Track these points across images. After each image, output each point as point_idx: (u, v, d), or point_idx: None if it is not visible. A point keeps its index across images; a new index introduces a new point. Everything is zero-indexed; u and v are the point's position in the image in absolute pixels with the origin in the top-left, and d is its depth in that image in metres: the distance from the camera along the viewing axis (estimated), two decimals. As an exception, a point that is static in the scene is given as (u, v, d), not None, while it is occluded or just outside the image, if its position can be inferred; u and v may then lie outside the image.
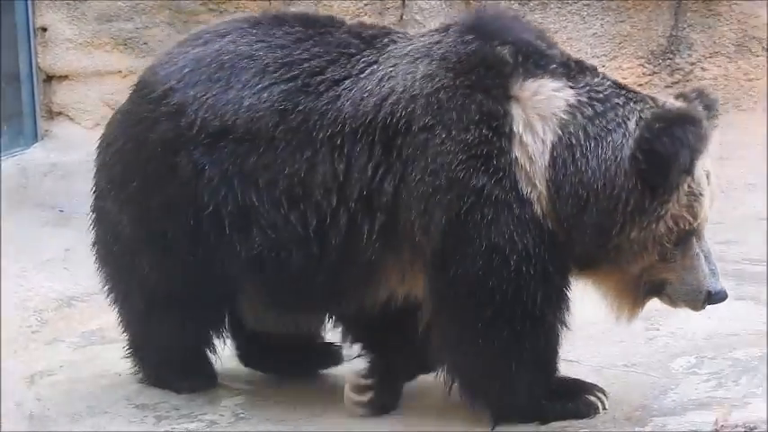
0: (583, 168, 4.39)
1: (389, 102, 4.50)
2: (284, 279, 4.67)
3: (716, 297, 4.52)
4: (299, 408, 4.89)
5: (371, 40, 4.75)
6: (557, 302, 4.51)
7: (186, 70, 4.79)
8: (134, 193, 4.82)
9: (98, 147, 5.08)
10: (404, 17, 8.86)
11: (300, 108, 4.59)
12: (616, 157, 4.39)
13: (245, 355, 5.31)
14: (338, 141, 4.51)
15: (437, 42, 4.62)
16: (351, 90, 4.58)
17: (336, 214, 4.51)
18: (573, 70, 4.55)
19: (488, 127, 4.38)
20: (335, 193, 4.51)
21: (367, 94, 4.55)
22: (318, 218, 4.53)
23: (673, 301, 4.62)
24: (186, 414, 4.90)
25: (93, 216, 5.11)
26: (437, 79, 4.48)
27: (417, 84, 4.49)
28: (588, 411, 4.58)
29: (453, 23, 4.75)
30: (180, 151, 4.68)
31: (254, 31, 4.84)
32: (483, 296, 4.41)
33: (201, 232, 4.68)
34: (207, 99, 4.69)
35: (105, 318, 6.13)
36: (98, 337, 5.92)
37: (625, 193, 4.37)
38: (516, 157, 4.38)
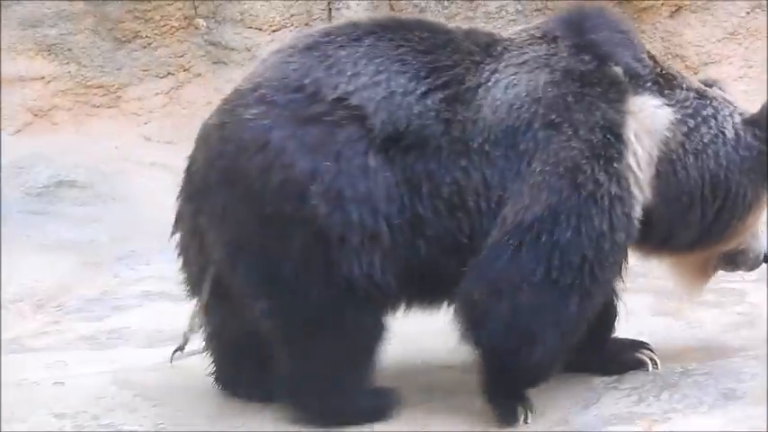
0: (683, 181, 4.86)
1: (515, 107, 4.68)
2: (437, 288, 4.79)
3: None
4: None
5: (488, 48, 4.85)
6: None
7: (349, 73, 4.69)
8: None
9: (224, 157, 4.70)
10: (330, 27, 8.87)
11: (459, 118, 4.67)
12: (721, 164, 4.90)
13: None
14: (486, 148, 4.64)
15: (553, 54, 4.82)
16: (485, 98, 4.71)
17: (484, 219, 4.66)
18: (664, 87, 4.91)
19: (611, 133, 4.69)
20: (485, 200, 4.66)
21: (498, 102, 4.69)
22: (471, 224, 4.66)
23: (736, 267, 5.28)
24: (106, 424, 4.86)
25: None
26: (564, 86, 4.73)
27: (541, 89, 4.71)
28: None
29: (558, 35, 4.89)
30: (368, 154, 4.62)
31: (391, 36, 4.80)
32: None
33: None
34: (380, 102, 4.65)
35: (25, 326, 6.12)
36: (18, 345, 5.88)
37: (743, 189, 4.93)
38: (629, 164, 4.72)
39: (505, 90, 4.73)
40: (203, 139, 4.88)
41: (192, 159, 4.92)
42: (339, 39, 4.81)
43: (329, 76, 4.67)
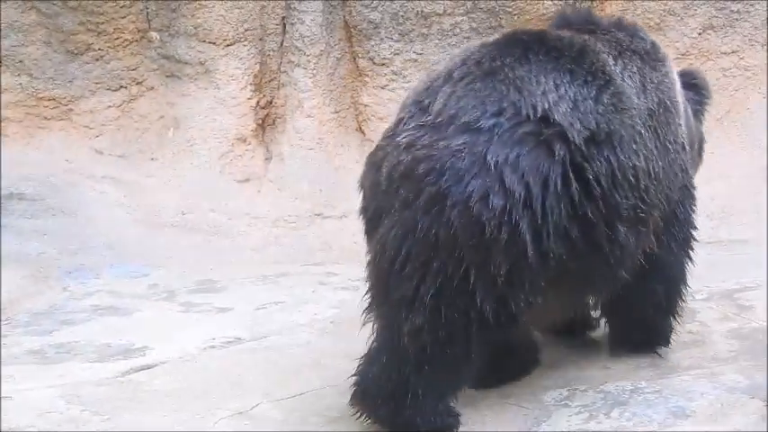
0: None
1: (644, 98, 5.13)
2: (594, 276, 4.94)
3: None
4: None
5: (602, 49, 5.17)
6: None
7: (539, 92, 4.75)
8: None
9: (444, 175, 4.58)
10: (284, 43, 8.87)
11: (623, 107, 4.97)
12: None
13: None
14: (642, 131, 5.02)
15: (628, 43, 5.35)
16: (626, 89, 5.04)
17: (650, 195, 5.02)
18: None
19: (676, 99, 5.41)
20: (648, 177, 5.01)
21: (633, 90, 5.09)
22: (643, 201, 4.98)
23: None
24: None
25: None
26: (654, 67, 5.33)
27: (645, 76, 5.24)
28: None
29: (597, 30, 5.37)
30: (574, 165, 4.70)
31: (543, 50, 4.93)
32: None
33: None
34: (572, 114, 4.75)
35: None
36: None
37: None
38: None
39: (631, 79, 5.12)
40: (404, 176, 4.68)
41: (384, 193, 4.79)
42: (509, 60, 4.86)
43: (524, 98, 4.72)
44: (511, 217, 4.52)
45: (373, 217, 4.89)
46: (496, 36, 5.19)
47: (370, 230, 4.94)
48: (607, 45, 5.23)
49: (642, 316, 5.49)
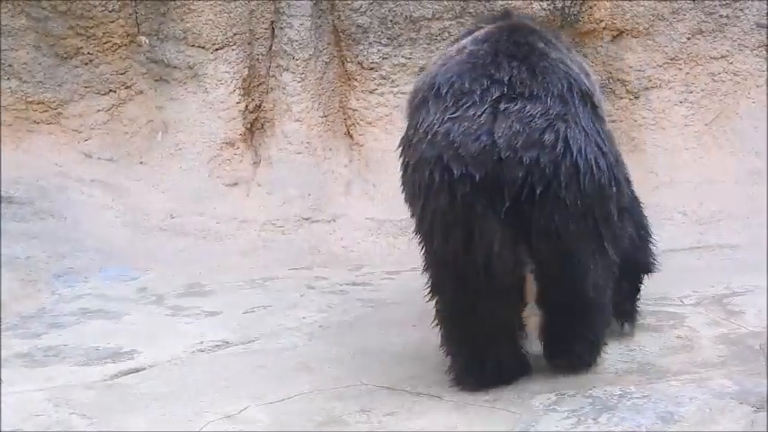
0: None
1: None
2: None
3: None
4: None
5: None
6: None
7: (576, 70, 5.30)
8: None
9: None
10: (273, 47, 8.87)
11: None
12: None
13: None
14: None
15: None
16: None
17: None
18: None
19: None
20: None
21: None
22: None
23: None
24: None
25: None
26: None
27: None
28: None
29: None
30: None
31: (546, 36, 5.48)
32: None
33: None
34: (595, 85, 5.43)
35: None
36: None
37: None
38: None
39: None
40: (530, 144, 4.94)
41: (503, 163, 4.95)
42: (546, 44, 5.33)
43: (577, 75, 5.26)
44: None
45: (486, 186, 4.92)
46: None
47: (478, 199, 4.94)
48: None
49: None
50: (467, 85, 5.07)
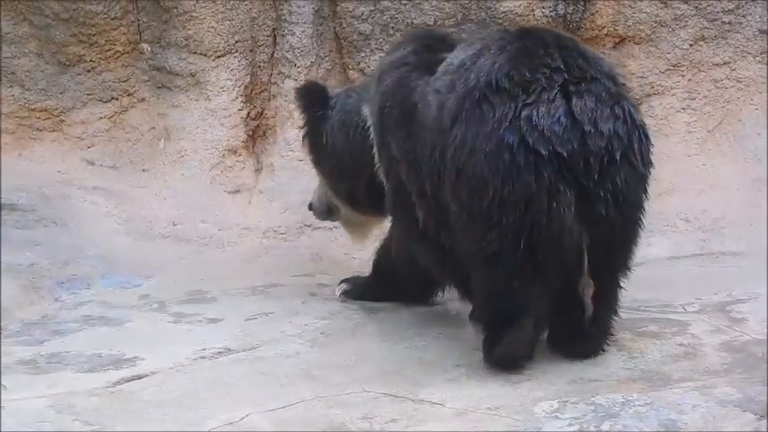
0: None
1: None
2: None
3: None
4: None
5: None
6: None
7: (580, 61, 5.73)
8: None
9: None
10: (275, 55, 8.87)
11: None
12: None
13: None
14: None
15: None
16: None
17: None
18: None
19: None
20: None
21: None
22: None
23: None
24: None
25: None
26: None
27: None
28: None
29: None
30: None
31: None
32: None
33: None
34: None
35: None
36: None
37: None
38: None
39: None
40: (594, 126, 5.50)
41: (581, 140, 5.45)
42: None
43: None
44: None
45: (569, 163, 5.42)
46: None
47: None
48: None
49: None
50: (528, 75, 5.51)
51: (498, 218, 5.44)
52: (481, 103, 5.54)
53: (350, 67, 8.86)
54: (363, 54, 8.81)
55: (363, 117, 6.72)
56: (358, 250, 7.50)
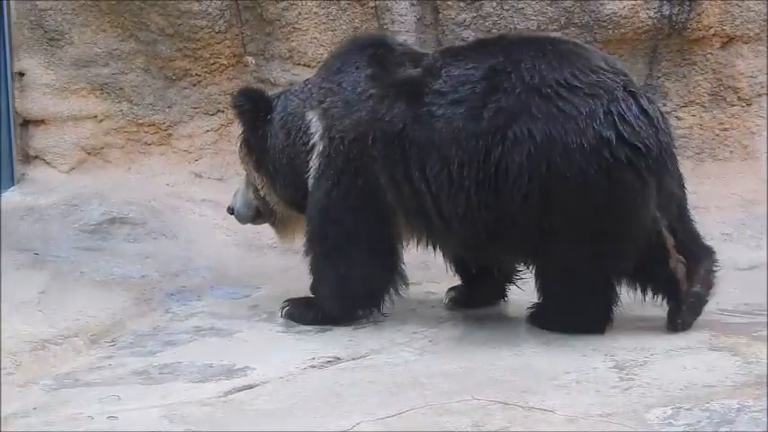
0: None
1: None
2: None
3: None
4: None
5: None
6: None
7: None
8: None
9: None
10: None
11: None
12: None
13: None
14: None
15: None
16: None
17: None
18: None
19: None
20: None
21: None
22: None
23: None
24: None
25: None
26: None
27: None
28: None
29: None
30: None
31: None
32: None
33: None
34: None
35: (79, 360, 6.14)
36: (71, 380, 5.87)
37: None
38: None
39: None
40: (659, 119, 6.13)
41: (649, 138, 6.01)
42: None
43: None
44: None
45: (655, 155, 6.01)
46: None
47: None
48: None
49: None
50: (594, 78, 6.00)
51: (601, 213, 5.90)
52: (555, 100, 5.93)
53: (453, 74, 8.84)
54: (466, 61, 8.79)
55: (307, 123, 6.76)
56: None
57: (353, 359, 6.10)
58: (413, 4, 8.81)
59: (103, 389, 5.70)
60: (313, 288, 6.86)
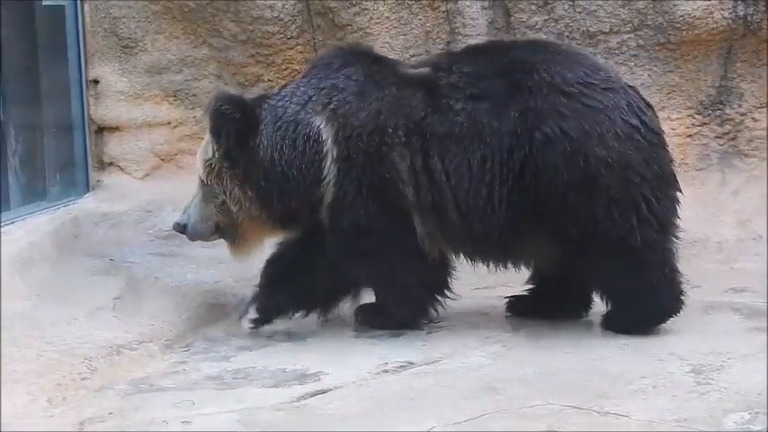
0: None
1: None
2: None
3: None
4: None
5: None
6: None
7: None
8: None
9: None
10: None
11: None
12: None
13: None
14: None
15: None
16: None
17: None
18: None
19: None
20: None
21: None
22: None
23: None
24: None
25: None
26: None
27: None
28: None
29: None
30: None
31: None
32: None
33: None
34: None
35: (154, 366, 6.19)
36: (146, 385, 5.93)
37: None
38: None
39: None
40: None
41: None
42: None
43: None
44: None
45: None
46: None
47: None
48: None
49: None
50: (603, 75, 6.41)
51: (652, 188, 6.28)
52: (579, 98, 6.21)
53: (525, 77, 8.80)
54: (539, 64, 8.75)
55: (316, 130, 6.48)
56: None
57: (427, 364, 6.10)
58: (484, 8, 8.78)
59: (178, 394, 5.74)
60: (379, 296, 6.84)
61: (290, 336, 6.78)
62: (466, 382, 5.69)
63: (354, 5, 8.82)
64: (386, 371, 6.00)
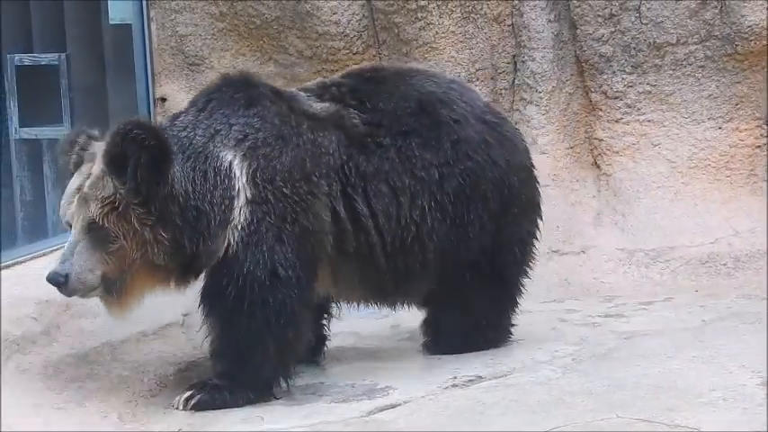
0: None
1: None
2: None
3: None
4: None
5: None
6: None
7: None
8: None
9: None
10: (516, 81, 8.88)
11: None
12: None
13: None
14: None
15: None
16: None
17: None
18: None
19: None
20: None
21: None
22: None
23: None
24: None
25: None
26: None
27: None
28: None
29: None
30: None
31: None
32: None
33: None
34: None
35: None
36: (216, 401, 5.97)
37: None
38: None
39: None
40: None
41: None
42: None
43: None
44: None
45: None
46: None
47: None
48: None
49: None
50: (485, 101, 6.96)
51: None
52: (496, 127, 6.53)
53: (592, 89, 8.79)
54: (605, 76, 8.73)
55: (226, 165, 5.81)
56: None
57: (495, 378, 6.09)
58: (550, 21, 8.77)
59: (247, 410, 5.77)
60: (224, 354, 5.98)
61: (358, 351, 6.80)
62: (535, 396, 5.68)
63: (420, 20, 8.84)
64: (455, 385, 6.00)
